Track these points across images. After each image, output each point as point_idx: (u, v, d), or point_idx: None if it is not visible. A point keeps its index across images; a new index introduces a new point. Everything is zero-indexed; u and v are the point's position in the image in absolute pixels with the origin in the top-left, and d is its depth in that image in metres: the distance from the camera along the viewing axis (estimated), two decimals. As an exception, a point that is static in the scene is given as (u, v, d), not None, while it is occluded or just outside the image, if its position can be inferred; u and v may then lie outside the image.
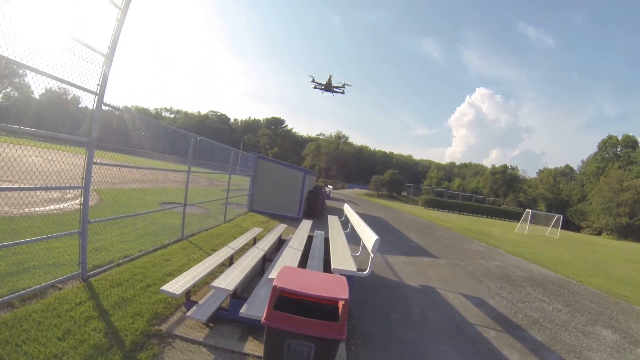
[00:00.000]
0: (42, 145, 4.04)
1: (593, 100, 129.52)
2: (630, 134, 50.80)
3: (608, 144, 52.37)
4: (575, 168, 60.66)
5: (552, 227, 26.42)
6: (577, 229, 43.94)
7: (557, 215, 26.72)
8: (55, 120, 3.99)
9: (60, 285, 4.31)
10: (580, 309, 7.22)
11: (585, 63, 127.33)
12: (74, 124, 4.54)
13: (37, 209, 7.50)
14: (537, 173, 66.44)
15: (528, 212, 26.79)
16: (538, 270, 10.86)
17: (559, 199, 54.83)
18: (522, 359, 4.73)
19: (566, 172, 60.71)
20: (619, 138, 51.42)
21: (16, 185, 3.62)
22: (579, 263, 13.49)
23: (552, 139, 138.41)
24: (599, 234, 40.59)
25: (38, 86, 3.61)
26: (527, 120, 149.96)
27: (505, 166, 64.92)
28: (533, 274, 10.27)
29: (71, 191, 8.49)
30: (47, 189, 4.04)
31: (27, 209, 6.83)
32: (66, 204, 8.74)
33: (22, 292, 3.82)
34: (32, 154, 3.69)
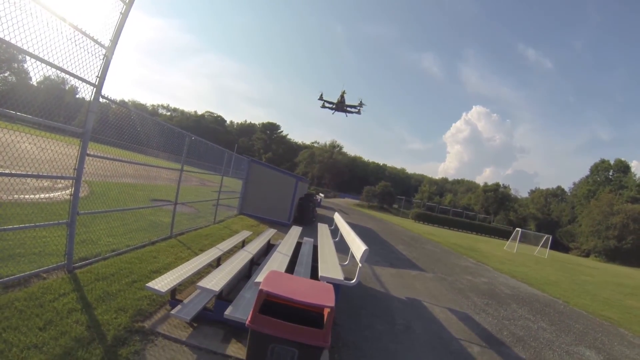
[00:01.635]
0: (35, 132, 3.97)
1: (588, 124, 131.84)
2: (623, 158, 51.69)
3: (600, 167, 53.13)
4: (566, 189, 61.40)
5: (541, 246, 26.56)
6: (566, 249, 44.29)
7: (546, 236, 26.87)
8: (51, 109, 3.92)
9: (44, 275, 4.25)
10: (565, 328, 7.24)
11: (582, 87, 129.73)
12: (70, 114, 4.50)
13: (27, 196, 7.37)
14: (528, 193, 67.17)
15: (518, 230, 26.94)
16: (525, 289, 10.91)
17: (549, 219, 55.34)
18: (504, 376, 4.73)
19: (557, 194, 61.35)
20: (612, 162, 52.20)
21: (7, 171, 3.56)
22: (566, 283, 13.57)
23: (546, 159, 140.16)
24: (587, 255, 40.91)
25: (36, 73, 3.57)
26: (522, 140, 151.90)
27: (497, 184, 65.50)
28: (520, 292, 10.31)
29: (62, 181, 8.39)
30: (38, 176, 3.98)
31: (16, 196, 6.72)
32: (56, 194, 8.63)
33: (5, 279, 3.77)
34: (25, 141, 3.64)
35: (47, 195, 8.28)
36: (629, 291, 13.92)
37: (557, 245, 41.06)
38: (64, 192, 8.72)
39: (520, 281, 12.17)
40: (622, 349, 6.42)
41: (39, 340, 3.04)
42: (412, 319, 6.37)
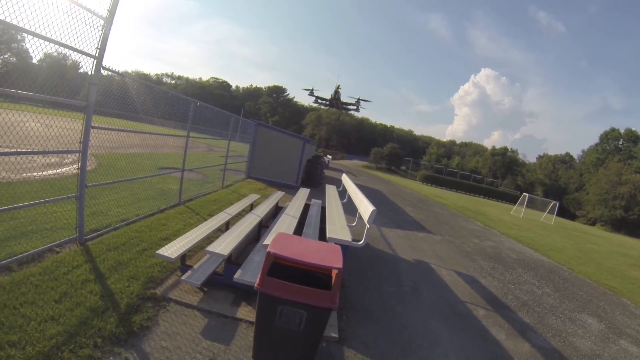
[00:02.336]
0: (41, 110, 3.93)
1: (599, 91, 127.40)
2: (633, 128, 50.45)
3: (610, 136, 51.99)
4: (575, 157, 60.42)
5: (548, 212, 26.49)
6: (572, 217, 44.23)
7: (553, 202, 26.71)
8: (54, 85, 3.86)
9: (57, 249, 4.30)
10: (569, 295, 7.27)
11: (594, 53, 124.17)
12: (74, 89, 4.42)
13: (35, 173, 7.40)
14: (536, 158, 66.19)
15: (525, 195, 26.80)
16: (531, 254, 10.93)
17: (556, 185, 54.94)
18: (508, 339, 4.76)
19: (566, 160, 60.43)
20: (622, 131, 51.04)
21: (13, 150, 3.54)
22: (571, 251, 13.58)
23: (555, 125, 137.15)
24: (593, 224, 40.89)
25: (36, 51, 3.46)
26: (531, 104, 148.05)
27: (505, 148, 64.53)
28: (525, 257, 10.34)
29: (70, 156, 8.41)
30: (44, 153, 3.96)
31: (25, 174, 6.77)
32: (64, 169, 8.62)
33: (19, 256, 3.82)
34: (31, 120, 3.64)
35: (55, 171, 8.28)
36: (633, 262, 13.91)
37: (564, 212, 40.98)
38: (71, 166, 8.69)
39: (526, 246, 12.19)
40: (623, 319, 6.43)
41: (55, 313, 3.11)
42: (419, 280, 6.41)
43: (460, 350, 4.25)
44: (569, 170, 57.69)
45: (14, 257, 3.75)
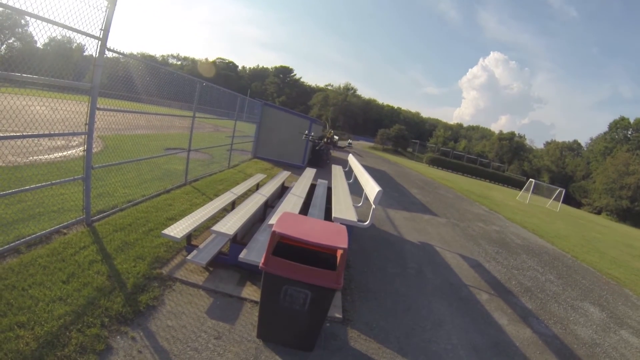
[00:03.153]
0: (46, 94, 3.92)
1: (610, 79, 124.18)
2: (644, 118, 49.15)
3: (619, 125, 50.88)
4: (583, 144, 59.36)
5: (554, 199, 26.31)
6: (578, 205, 43.91)
7: (559, 189, 26.49)
8: (60, 69, 3.83)
9: (64, 231, 4.33)
10: (572, 283, 7.25)
11: (607, 40, 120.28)
12: (79, 72, 4.40)
13: (42, 157, 7.40)
14: (544, 144, 65.19)
15: (531, 181, 26.55)
16: (535, 240, 10.89)
17: (563, 173, 54.35)
18: (510, 324, 4.76)
19: (573, 147, 59.54)
20: (631, 121, 49.79)
21: (19, 134, 3.51)
22: (576, 239, 13.52)
23: (563, 112, 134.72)
24: (599, 213, 40.59)
25: (41, 35, 3.40)
26: (540, 90, 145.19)
27: (512, 133, 63.70)
28: (530, 242, 10.30)
29: (76, 138, 8.45)
30: (49, 135, 3.94)
31: (32, 158, 6.78)
32: (71, 151, 8.61)
33: (27, 238, 3.84)
34: (37, 104, 3.66)
35: (62, 154, 8.27)
36: (637, 253, 13.82)
37: (569, 200, 40.76)
38: (78, 149, 8.70)
39: (531, 232, 12.14)
40: (625, 310, 6.40)
41: (63, 293, 3.15)
42: (424, 263, 6.41)
43: (463, 333, 4.26)
44: (576, 158, 56.94)
45: (22, 240, 3.78)
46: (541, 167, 56.78)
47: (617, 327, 5.53)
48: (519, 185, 37.34)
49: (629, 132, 49.83)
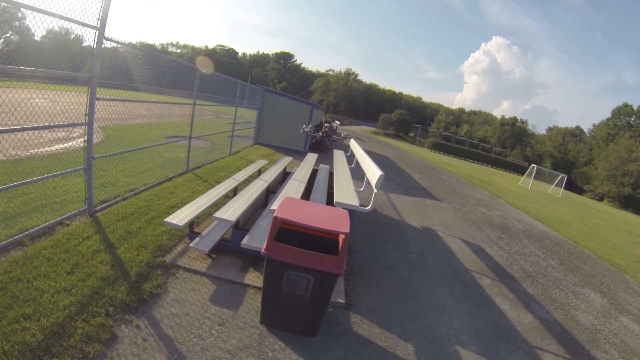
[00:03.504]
0: (46, 87, 3.87)
1: (614, 65, 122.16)
2: (647, 105, 48.61)
3: (623, 111, 50.32)
4: (585, 130, 58.82)
5: (556, 185, 26.21)
6: (580, 191, 43.75)
7: (561, 175, 26.34)
8: (58, 61, 3.85)
9: (67, 222, 4.32)
10: (573, 269, 7.25)
11: (611, 25, 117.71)
12: (78, 64, 4.35)
13: (43, 149, 7.34)
14: (546, 130, 64.61)
15: (533, 167, 26.38)
16: (537, 226, 10.87)
17: (565, 159, 54.08)
18: (512, 309, 4.77)
19: (576, 133, 59.08)
20: (635, 108, 49.31)
21: (19, 127, 3.48)
22: (578, 225, 13.50)
23: (566, 98, 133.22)
24: (601, 199, 40.46)
25: (38, 28, 3.33)
26: (543, 75, 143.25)
27: (515, 118, 63.01)
28: (532, 228, 10.29)
29: (77, 130, 8.34)
30: (49, 127, 3.89)
31: (33, 151, 6.76)
32: (72, 143, 8.53)
33: (31, 230, 3.84)
34: (37, 96, 3.65)
35: (63, 145, 8.20)
36: (638, 240, 13.78)
37: (571, 186, 40.61)
38: (79, 140, 8.63)
39: (533, 218, 12.11)
40: (626, 296, 6.39)
41: (68, 284, 3.16)
42: (426, 247, 6.40)
43: (465, 318, 4.27)
44: (578, 144, 56.59)
45: (26, 232, 3.78)
46: (543, 153, 56.49)
47: (618, 313, 5.54)
48: (521, 170, 37.14)
49: (632, 119, 49.35)
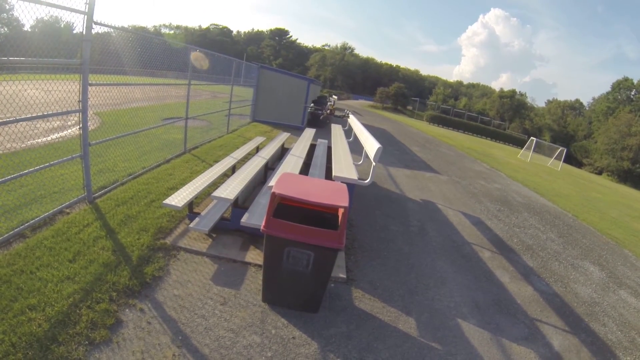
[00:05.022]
0: (39, 77, 3.78)
1: (614, 39, 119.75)
2: (648, 79, 47.79)
3: (623, 85, 49.55)
4: (585, 104, 58.17)
5: (555, 158, 26.11)
6: (579, 164, 43.69)
7: (561, 148, 26.20)
8: (49, 49, 3.71)
9: (67, 210, 4.28)
10: (572, 242, 7.26)
11: None
12: (70, 52, 4.27)
13: (39, 140, 7.20)
14: (545, 103, 64.01)
15: (533, 140, 26.26)
16: (536, 199, 10.86)
17: (564, 132, 53.78)
18: (512, 282, 4.78)
19: (575, 107, 58.50)
20: (635, 82, 48.52)
21: (12, 118, 3.38)
22: (577, 198, 13.49)
23: (566, 71, 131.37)
24: (600, 173, 40.46)
25: (26, 17, 3.26)
26: (542, 48, 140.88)
27: (513, 91, 62.19)
28: (531, 201, 10.27)
29: (72, 118, 8.19)
30: (43, 117, 3.81)
31: (29, 142, 6.65)
32: (68, 132, 8.35)
33: (31, 221, 3.81)
34: (30, 88, 3.59)
35: (59, 134, 8.06)
36: (636, 214, 13.80)
37: (570, 159, 40.51)
38: (74, 128, 8.45)
39: (533, 191, 12.09)
40: (624, 270, 6.41)
41: (71, 272, 3.16)
42: (426, 221, 6.38)
43: (465, 291, 4.27)
44: (578, 118, 56.13)
45: (27, 224, 3.74)
46: (542, 126, 56.13)
47: (616, 286, 5.56)
48: (520, 143, 36.99)
49: (632, 93, 48.68)
